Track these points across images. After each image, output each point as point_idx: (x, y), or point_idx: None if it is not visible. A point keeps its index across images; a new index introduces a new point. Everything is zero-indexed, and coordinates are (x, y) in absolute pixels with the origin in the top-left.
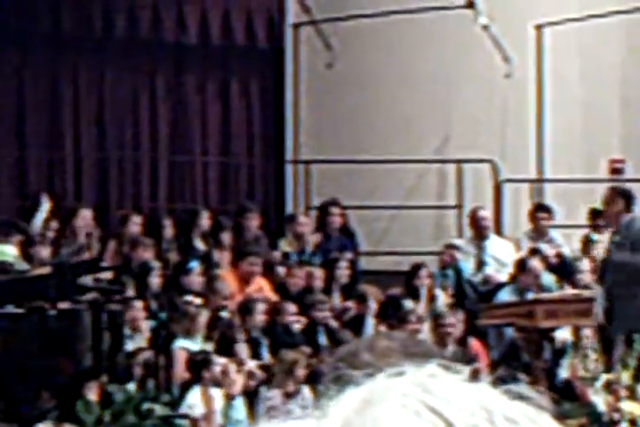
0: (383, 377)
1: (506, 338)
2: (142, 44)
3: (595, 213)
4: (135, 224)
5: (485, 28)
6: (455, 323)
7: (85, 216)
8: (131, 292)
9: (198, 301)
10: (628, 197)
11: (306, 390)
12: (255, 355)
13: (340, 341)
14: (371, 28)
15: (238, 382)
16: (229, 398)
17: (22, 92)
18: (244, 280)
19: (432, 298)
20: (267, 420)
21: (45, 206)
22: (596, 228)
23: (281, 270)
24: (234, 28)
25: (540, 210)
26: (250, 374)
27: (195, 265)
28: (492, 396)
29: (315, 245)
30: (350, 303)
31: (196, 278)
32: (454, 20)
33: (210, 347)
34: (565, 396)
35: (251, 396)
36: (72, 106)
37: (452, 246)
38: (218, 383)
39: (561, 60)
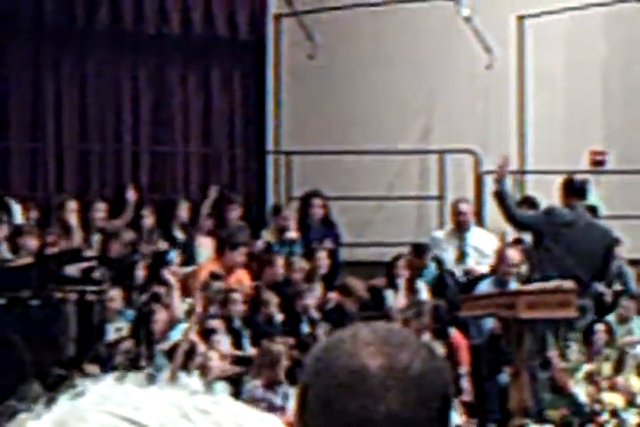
0: (66, 399)
1: (484, 329)
2: (124, 35)
3: None
4: (100, 211)
5: (467, 19)
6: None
7: (71, 209)
8: (110, 282)
9: (172, 280)
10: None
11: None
12: (237, 346)
13: (322, 332)
14: (352, 19)
15: (217, 368)
16: (209, 384)
17: (5, 82)
18: (228, 271)
19: (412, 289)
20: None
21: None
22: None
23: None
24: (216, 18)
25: (525, 203)
26: (231, 362)
27: (174, 257)
28: (177, 393)
29: (296, 236)
30: (332, 294)
31: (174, 269)
32: (436, 11)
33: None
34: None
35: (234, 385)
36: (54, 96)
37: (423, 246)
38: (200, 373)
39: (543, 51)
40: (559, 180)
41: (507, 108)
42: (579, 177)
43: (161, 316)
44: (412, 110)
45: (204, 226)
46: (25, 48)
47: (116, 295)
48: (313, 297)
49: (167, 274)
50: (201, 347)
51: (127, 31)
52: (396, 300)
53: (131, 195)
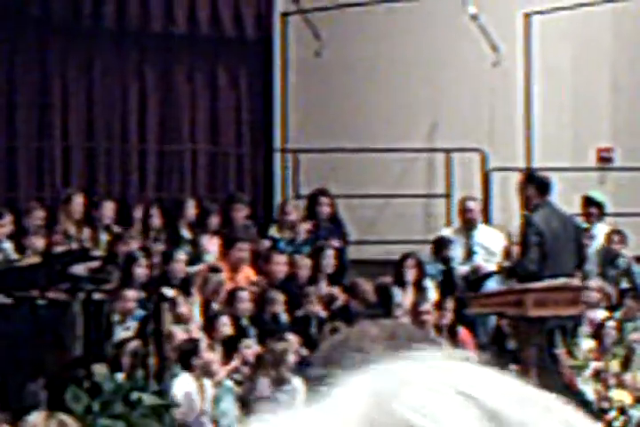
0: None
1: (489, 326)
2: (131, 34)
3: (588, 201)
4: (109, 210)
5: (474, 17)
6: (430, 310)
7: (78, 202)
8: (117, 281)
9: (171, 293)
10: (540, 184)
11: (295, 380)
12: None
13: (329, 330)
14: (359, 16)
15: (220, 370)
16: (217, 386)
17: (12, 81)
18: (234, 268)
19: (419, 287)
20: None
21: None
22: (587, 216)
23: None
24: (222, 17)
25: None
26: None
27: (181, 255)
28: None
29: (304, 235)
30: (337, 292)
31: (181, 267)
32: (442, 8)
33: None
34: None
35: (242, 384)
36: (61, 95)
37: (441, 240)
38: (207, 372)
39: (549, 48)
40: (566, 177)
41: (514, 105)
42: (540, 173)
43: (170, 315)
44: (419, 108)
45: (210, 225)
46: (31, 47)
47: (128, 295)
48: (318, 297)
49: (191, 271)
50: (204, 350)
51: (134, 30)
52: (403, 298)
53: (137, 213)
